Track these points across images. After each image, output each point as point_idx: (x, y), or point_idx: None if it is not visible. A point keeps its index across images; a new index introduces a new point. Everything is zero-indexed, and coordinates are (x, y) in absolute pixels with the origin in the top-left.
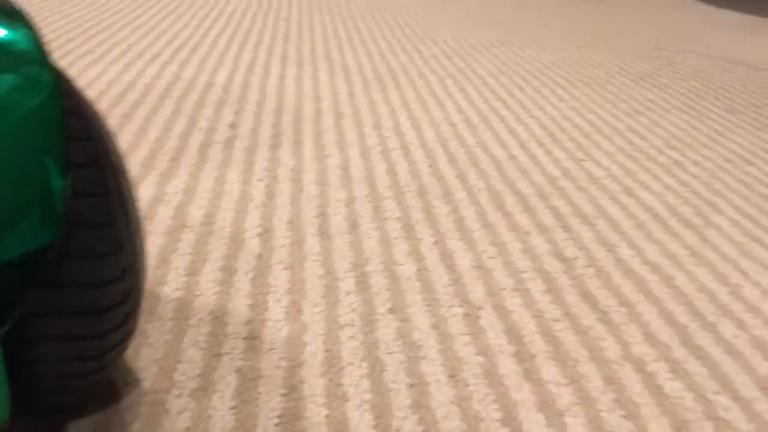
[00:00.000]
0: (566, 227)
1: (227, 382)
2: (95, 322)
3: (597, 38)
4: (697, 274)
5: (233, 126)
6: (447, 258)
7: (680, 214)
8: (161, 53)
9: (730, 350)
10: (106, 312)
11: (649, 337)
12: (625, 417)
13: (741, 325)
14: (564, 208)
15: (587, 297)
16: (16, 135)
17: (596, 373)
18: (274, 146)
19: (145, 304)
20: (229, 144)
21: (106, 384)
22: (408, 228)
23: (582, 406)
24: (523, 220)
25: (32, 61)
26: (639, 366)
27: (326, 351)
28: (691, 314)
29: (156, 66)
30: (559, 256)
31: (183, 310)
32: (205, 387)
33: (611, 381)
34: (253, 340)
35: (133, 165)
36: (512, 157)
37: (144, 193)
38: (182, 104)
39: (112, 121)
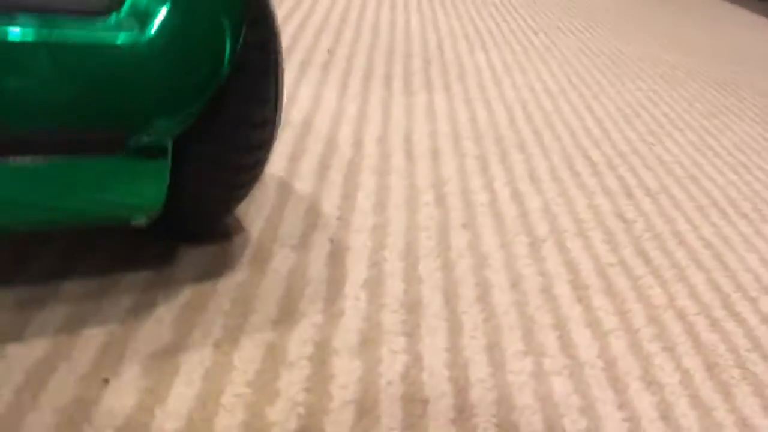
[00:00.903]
0: (630, 195)
1: (322, 245)
2: (238, 156)
3: (677, 40)
4: (746, 257)
5: (330, 52)
6: (517, 197)
7: (739, 207)
8: None
9: (766, 321)
10: (248, 150)
11: (694, 296)
12: (663, 349)
13: None
14: (630, 180)
15: (642, 254)
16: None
17: (641, 312)
18: (367, 77)
19: None
20: (325, 68)
21: (221, 225)
22: (484, 166)
23: (625, 332)
24: (590, 181)
25: None
26: (681, 315)
27: (406, 243)
28: (736, 286)
29: None
30: (621, 216)
31: (284, 187)
32: (303, 245)
33: (654, 320)
34: (343, 221)
35: None
36: (586, 129)
37: None
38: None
39: None
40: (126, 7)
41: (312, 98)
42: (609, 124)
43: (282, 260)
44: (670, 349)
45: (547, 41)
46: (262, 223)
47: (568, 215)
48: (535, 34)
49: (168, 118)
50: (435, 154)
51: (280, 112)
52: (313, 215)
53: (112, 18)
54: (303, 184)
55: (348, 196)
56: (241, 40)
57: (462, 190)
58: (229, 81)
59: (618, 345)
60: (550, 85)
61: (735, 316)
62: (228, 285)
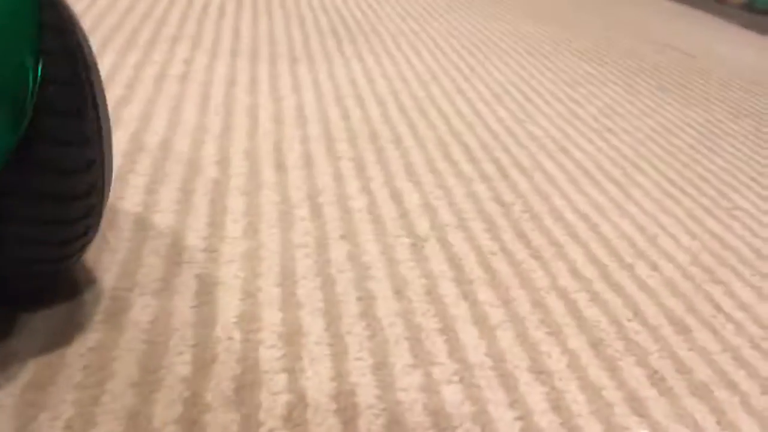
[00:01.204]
0: (506, 177)
1: (187, 285)
2: (58, 208)
3: (545, 14)
4: (619, 224)
5: (186, 62)
6: (396, 196)
7: (608, 172)
8: None
9: (644, 287)
10: (70, 200)
11: (574, 272)
12: (548, 333)
13: (655, 267)
14: (505, 161)
15: (522, 236)
16: None
17: (525, 298)
18: (231, 83)
19: (105, 214)
20: (183, 79)
21: (68, 279)
22: (360, 167)
23: (511, 323)
24: (467, 168)
25: None
26: (563, 294)
27: (281, 266)
28: (612, 256)
29: None
30: (499, 200)
31: (142, 223)
32: (166, 288)
33: (538, 305)
34: (211, 252)
35: None
36: (459, 113)
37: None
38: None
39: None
40: None
41: (169, 116)
42: (481, 106)
43: (142, 310)
44: (555, 333)
45: (416, 26)
46: (117, 269)
47: (448, 208)
48: (403, 19)
49: None
50: (308, 162)
51: (108, 150)
52: (176, 251)
53: None
54: (163, 217)
55: (215, 223)
56: (36, 79)
57: (338, 197)
58: (30, 126)
59: (505, 338)
60: (421, 71)
61: (613, 286)
62: (79, 351)
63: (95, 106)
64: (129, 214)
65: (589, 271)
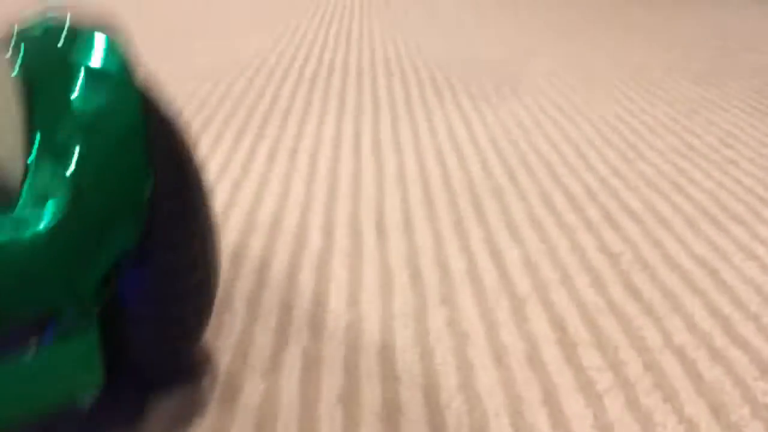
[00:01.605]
0: (613, 224)
1: (293, 363)
2: (175, 305)
3: (652, 37)
4: (743, 268)
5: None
6: (495, 253)
7: (730, 209)
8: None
9: None
10: (184, 296)
11: (691, 327)
12: (663, 399)
13: None
14: (612, 206)
15: (631, 289)
16: (108, 155)
17: (636, 360)
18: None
19: (221, 295)
20: (291, 157)
21: (189, 364)
22: (459, 225)
23: (621, 389)
24: (570, 218)
25: (120, 82)
26: (679, 353)
27: (381, 338)
28: (735, 305)
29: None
30: (605, 250)
31: (253, 302)
32: (274, 367)
33: (651, 366)
34: (316, 327)
35: None
36: (563, 158)
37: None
38: None
39: None
40: (23, 198)
41: (280, 192)
42: (586, 148)
43: (252, 391)
44: (671, 398)
45: (515, 68)
46: (231, 349)
47: (550, 262)
48: (502, 63)
49: (78, 299)
50: (407, 224)
51: (215, 246)
52: (283, 327)
53: (10, 212)
54: (272, 294)
55: (319, 297)
56: (151, 188)
57: (437, 259)
58: (145, 234)
59: (614, 407)
60: (523, 117)
61: (737, 340)
62: None
63: (201, 208)
64: (243, 293)
65: (708, 325)
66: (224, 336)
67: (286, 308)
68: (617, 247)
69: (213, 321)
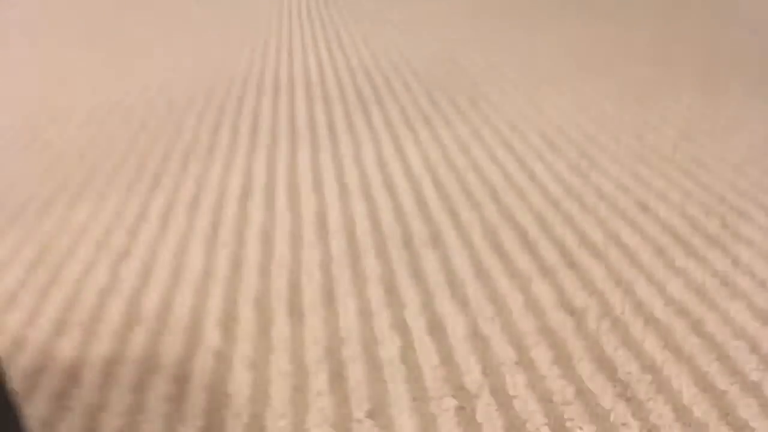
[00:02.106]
0: (572, 265)
1: None
2: None
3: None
4: (731, 312)
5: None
6: (436, 328)
7: (701, 229)
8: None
9: None
10: None
11: (682, 414)
12: None
13: None
14: (569, 239)
15: (603, 364)
16: None
17: None
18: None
19: None
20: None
21: None
22: (391, 292)
23: None
24: (522, 261)
25: None
26: None
27: None
28: (730, 374)
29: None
30: (567, 306)
31: None
32: None
33: None
34: None
35: None
36: (509, 179)
37: None
38: None
39: None
40: None
41: (172, 267)
42: (533, 161)
43: None
44: None
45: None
46: None
47: (502, 334)
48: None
49: None
50: (327, 297)
51: None
52: None
53: None
54: (152, 427)
55: (212, 425)
56: None
57: (364, 345)
58: None
59: None
60: (451, 140)
61: (737, 423)
62: None
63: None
64: (111, 428)
65: (702, 409)
66: None
67: None
68: (579, 300)
69: None
